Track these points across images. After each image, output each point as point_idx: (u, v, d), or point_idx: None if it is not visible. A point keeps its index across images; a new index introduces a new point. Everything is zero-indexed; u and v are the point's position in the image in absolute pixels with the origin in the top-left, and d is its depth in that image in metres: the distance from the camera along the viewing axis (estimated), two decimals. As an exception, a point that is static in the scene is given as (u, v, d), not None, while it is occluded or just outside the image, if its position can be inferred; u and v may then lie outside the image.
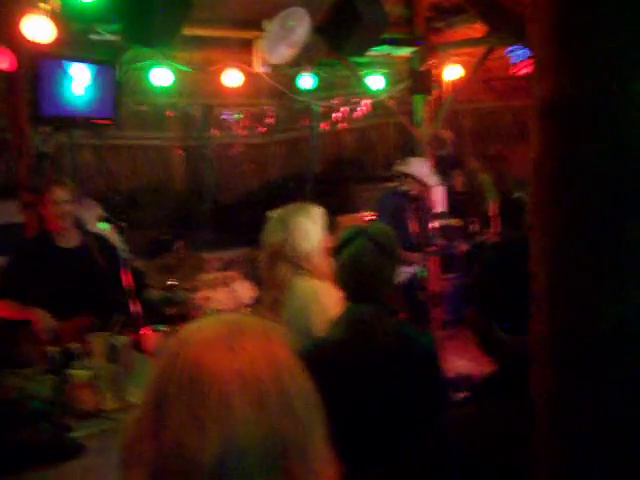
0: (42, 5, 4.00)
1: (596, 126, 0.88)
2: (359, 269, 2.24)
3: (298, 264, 2.80)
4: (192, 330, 1.01)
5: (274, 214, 3.00)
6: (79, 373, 2.86)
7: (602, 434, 0.90)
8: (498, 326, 1.43)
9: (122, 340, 3.14)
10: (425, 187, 5.90)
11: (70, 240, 3.82)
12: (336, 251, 2.32)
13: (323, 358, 2.13)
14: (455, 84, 6.50)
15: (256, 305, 3.41)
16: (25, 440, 2.31)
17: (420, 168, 5.80)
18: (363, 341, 2.20)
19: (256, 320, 1.04)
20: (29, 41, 4.24)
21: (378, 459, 2.03)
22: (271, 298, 2.84)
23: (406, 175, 5.76)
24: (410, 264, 5.51)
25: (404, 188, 5.78)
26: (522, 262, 1.02)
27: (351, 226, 2.38)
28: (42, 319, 3.45)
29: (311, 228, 2.85)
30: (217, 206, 7.19)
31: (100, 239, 3.87)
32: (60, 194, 3.72)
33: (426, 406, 2.12)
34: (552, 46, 0.91)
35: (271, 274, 2.86)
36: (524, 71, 5.61)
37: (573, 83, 0.89)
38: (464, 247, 6.36)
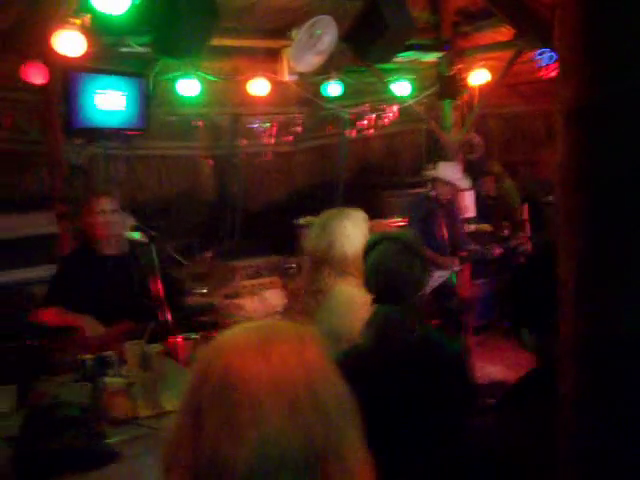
0: (73, 20, 4.08)
1: (622, 129, 0.87)
2: (385, 271, 2.27)
3: (342, 269, 2.80)
4: (224, 338, 1.02)
5: (314, 220, 3.01)
6: (113, 380, 2.90)
7: (627, 439, 0.89)
8: (531, 332, 1.43)
9: (155, 348, 3.18)
10: (456, 190, 5.88)
11: (112, 248, 3.91)
12: (363, 255, 2.35)
13: (352, 366, 2.13)
14: (483, 88, 6.47)
15: (289, 310, 3.41)
16: (59, 446, 2.34)
17: (450, 172, 5.79)
18: (390, 347, 2.20)
19: (289, 325, 1.04)
20: (61, 55, 4.33)
21: (404, 465, 2.03)
22: (313, 303, 2.84)
23: (436, 179, 5.75)
24: (443, 268, 5.48)
25: (434, 193, 5.77)
26: (552, 268, 1.01)
27: (378, 232, 2.42)
28: (89, 325, 3.55)
29: (353, 232, 2.85)
30: (246, 214, 7.23)
31: (134, 247, 3.94)
32: (106, 204, 3.84)
33: (453, 413, 2.11)
34: (578, 49, 0.91)
35: (314, 279, 2.87)
36: (553, 74, 5.56)
37: (598, 86, 0.89)
38: (498, 251, 6.30)
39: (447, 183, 5.72)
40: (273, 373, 0.93)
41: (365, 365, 2.17)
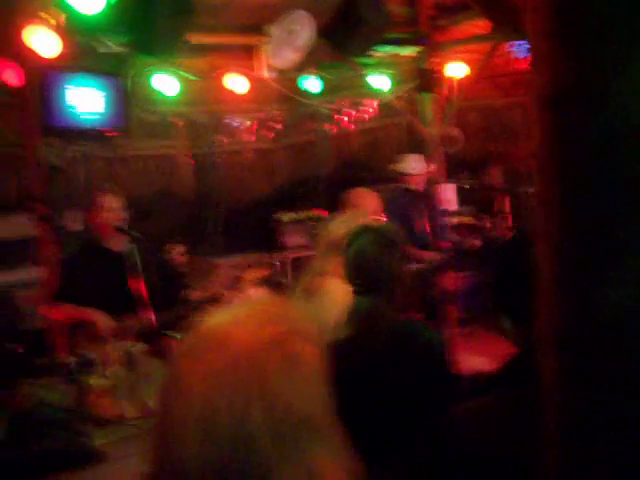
0: (47, 19, 4.04)
1: (595, 115, 0.88)
2: (364, 263, 2.29)
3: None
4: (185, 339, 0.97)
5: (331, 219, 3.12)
6: (97, 381, 2.89)
7: (606, 419, 0.90)
8: (513, 319, 1.44)
9: (139, 347, 3.16)
10: (427, 179, 5.96)
11: (118, 244, 3.95)
12: (344, 247, 2.37)
13: (332, 359, 2.14)
14: (461, 81, 6.49)
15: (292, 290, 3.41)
16: (44, 448, 2.33)
17: (415, 163, 5.90)
18: (368, 338, 2.22)
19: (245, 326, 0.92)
20: (36, 55, 4.28)
21: (384, 455, 2.04)
22: (314, 285, 2.90)
23: (404, 172, 5.87)
24: (422, 262, 5.50)
25: (408, 186, 5.85)
26: (529, 256, 1.02)
27: (360, 224, 2.43)
28: (102, 320, 3.62)
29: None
30: (226, 212, 7.21)
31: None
32: (113, 201, 3.91)
33: (432, 401, 2.12)
34: (549, 36, 0.91)
35: (322, 263, 2.94)
36: (530, 66, 5.58)
37: (572, 72, 0.89)
38: (476, 242, 6.36)
39: (416, 174, 5.82)
40: (196, 388, 0.86)
41: (346, 357, 2.17)
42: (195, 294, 4.49)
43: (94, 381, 2.89)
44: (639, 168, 0.89)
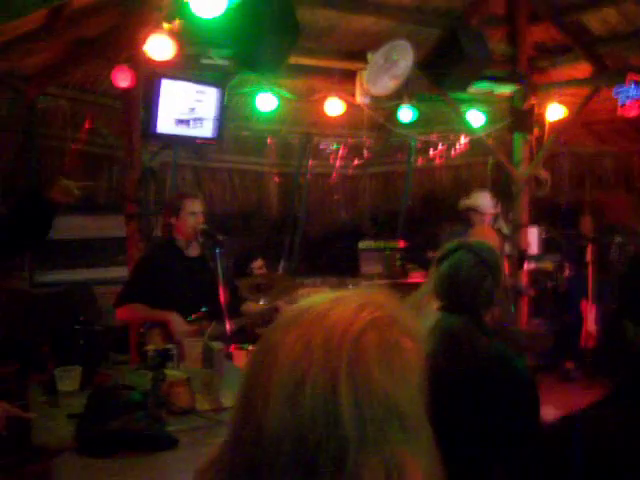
0: (165, 25, 4.21)
1: None
2: (456, 279, 2.25)
3: None
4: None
5: None
6: (173, 372, 2.93)
7: None
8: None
9: (217, 346, 3.20)
10: (486, 216, 5.75)
11: (194, 249, 3.98)
12: (437, 262, 2.34)
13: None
14: (555, 125, 6.41)
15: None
16: (122, 427, 2.37)
17: (482, 200, 5.67)
18: (452, 354, 2.17)
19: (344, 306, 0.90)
20: (147, 60, 4.46)
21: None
22: (419, 302, 2.86)
23: (469, 209, 5.71)
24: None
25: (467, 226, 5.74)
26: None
27: (456, 240, 2.39)
28: (176, 321, 3.65)
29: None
30: (306, 234, 7.27)
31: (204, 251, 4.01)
32: (196, 206, 3.90)
33: (515, 428, 2.06)
34: None
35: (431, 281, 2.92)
36: (633, 112, 5.42)
37: None
38: (531, 292, 6.26)
39: (479, 213, 5.56)
40: (285, 355, 0.85)
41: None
42: (258, 305, 4.48)
43: (170, 372, 2.94)
44: None
